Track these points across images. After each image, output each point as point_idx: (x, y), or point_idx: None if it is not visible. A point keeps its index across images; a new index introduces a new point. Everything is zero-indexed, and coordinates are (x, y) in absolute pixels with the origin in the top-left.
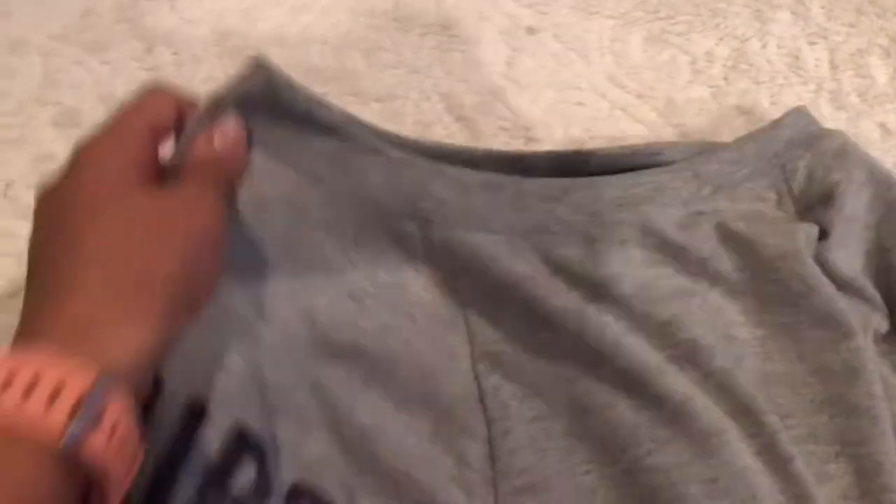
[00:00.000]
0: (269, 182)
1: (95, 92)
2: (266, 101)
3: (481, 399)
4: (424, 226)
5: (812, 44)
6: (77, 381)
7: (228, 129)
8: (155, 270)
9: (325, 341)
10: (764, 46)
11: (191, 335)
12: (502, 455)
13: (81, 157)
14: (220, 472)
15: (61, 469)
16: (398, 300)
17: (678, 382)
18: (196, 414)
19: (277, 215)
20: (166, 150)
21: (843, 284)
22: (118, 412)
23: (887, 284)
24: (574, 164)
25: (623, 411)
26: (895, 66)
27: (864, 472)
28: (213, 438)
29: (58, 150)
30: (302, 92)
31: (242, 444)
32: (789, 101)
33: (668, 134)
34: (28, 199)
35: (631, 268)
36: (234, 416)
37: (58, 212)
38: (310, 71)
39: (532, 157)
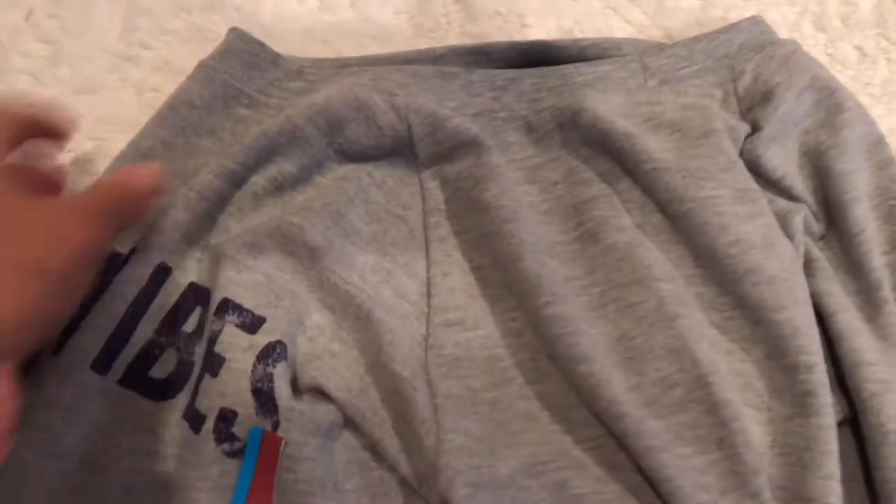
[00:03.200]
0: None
1: None
2: (244, 57)
3: (426, 247)
4: (389, 98)
5: None
6: None
7: (146, 172)
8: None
9: (289, 191)
10: None
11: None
12: (440, 293)
13: None
14: (174, 318)
15: None
16: (358, 159)
17: (583, 254)
18: (163, 274)
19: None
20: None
21: (770, 181)
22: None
23: (822, 183)
24: (535, 54)
25: (531, 265)
26: None
27: (783, 336)
28: (172, 294)
29: None
30: (271, 49)
31: (196, 295)
32: (773, 19)
33: (654, 35)
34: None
35: (563, 151)
36: (191, 278)
37: None
38: None
39: (495, 46)
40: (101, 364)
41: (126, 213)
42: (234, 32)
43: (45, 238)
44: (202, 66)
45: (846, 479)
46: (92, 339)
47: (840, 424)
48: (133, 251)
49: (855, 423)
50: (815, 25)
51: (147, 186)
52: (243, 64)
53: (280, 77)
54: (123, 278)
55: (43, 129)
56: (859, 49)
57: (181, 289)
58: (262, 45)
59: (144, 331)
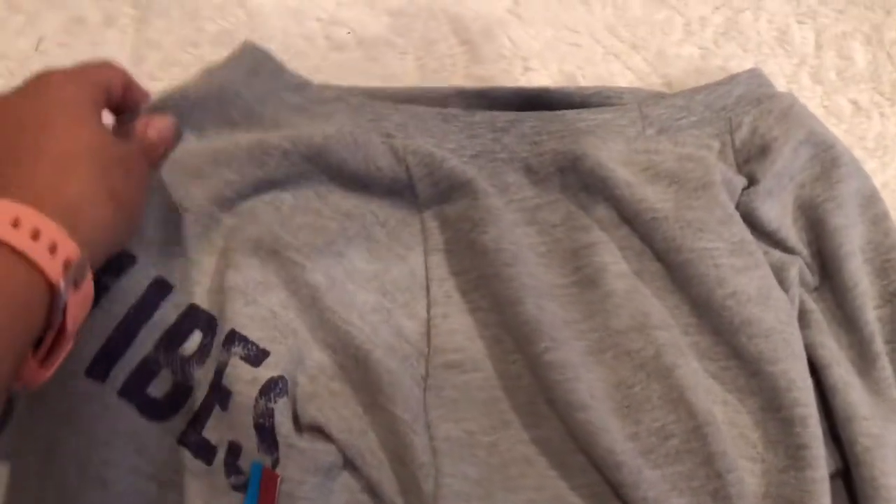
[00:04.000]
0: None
1: None
2: (249, 64)
3: (427, 287)
4: (387, 140)
5: (801, 23)
6: (67, 246)
7: (164, 123)
8: (108, 184)
9: (290, 223)
10: (756, 19)
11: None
12: (440, 334)
13: (45, 79)
14: (173, 337)
15: (43, 305)
16: (361, 197)
17: (581, 298)
18: (163, 289)
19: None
20: (106, 117)
21: (765, 233)
22: (89, 283)
23: (817, 237)
24: (536, 100)
25: (530, 308)
26: (874, 53)
27: (778, 388)
28: (171, 312)
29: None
30: (278, 63)
31: (195, 318)
32: (772, 70)
33: (654, 83)
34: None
35: (562, 195)
36: (192, 300)
37: (20, 118)
38: None
39: (499, 91)
40: (98, 370)
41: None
42: (246, 45)
43: (126, 174)
44: (206, 69)
45: None
46: (87, 345)
47: (832, 477)
48: (128, 258)
49: (847, 476)
50: (812, 78)
51: (171, 135)
52: (247, 70)
53: (278, 88)
54: (121, 286)
55: (126, 98)
56: (854, 103)
57: (182, 308)
58: (270, 56)
59: (143, 343)
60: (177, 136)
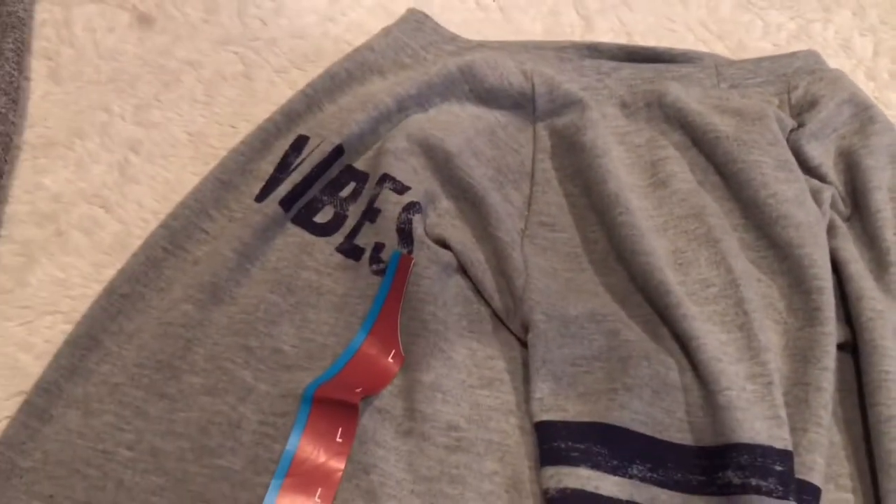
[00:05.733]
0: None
1: None
2: (413, 24)
3: (532, 174)
4: (518, 64)
5: (863, 35)
6: None
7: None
8: None
9: (434, 120)
10: (825, 29)
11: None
12: (538, 202)
13: None
14: (335, 184)
15: None
16: (490, 108)
17: (653, 194)
18: (337, 153)
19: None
20: None
21: (808, 168)
22: None
23: (851, 177)
24: (637, 55)
25: (612, 187)
26: None
27: (802, 266)
28: (335, 169)
29: None
30: (434, 22)
31: (352, 174)
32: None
33: None
34: None
35: (648, 124)
36: (350, 162)
37: None
38: None
39: (606, 45)
40: (287, 203)
41: None
42: (410, 10)
43: None
44: (384, 28)
45: (843, 390)
46: (285, 186)
47: (842, 348)
48: (321, 139)
49: (854, 350)
50: (866, 75)
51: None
52: (413, 28)
53: (437, 40)
54: (313, 156)
55: None
56: None
57: (341, 167)
58: (428, 17)
59: (314, 190)
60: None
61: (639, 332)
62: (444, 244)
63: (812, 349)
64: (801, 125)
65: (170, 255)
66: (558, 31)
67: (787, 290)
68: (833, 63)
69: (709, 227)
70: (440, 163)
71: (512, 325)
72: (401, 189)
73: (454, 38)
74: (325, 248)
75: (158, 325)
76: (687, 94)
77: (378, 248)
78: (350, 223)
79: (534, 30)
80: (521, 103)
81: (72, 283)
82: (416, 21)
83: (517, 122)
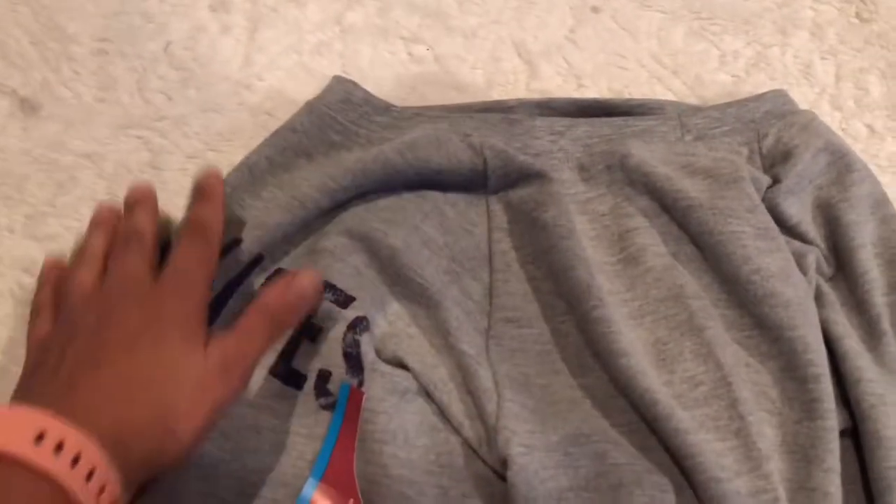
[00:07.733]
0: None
1: None
2: (340, 94)
3: (490, 257)
4: (465, 138)
5: (823, 59)
6: (90, 452)
7: (310, 280)
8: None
9: (374, 208)
10: (783, 54)
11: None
12: (500, 295)
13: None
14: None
15: None
16: (435, 186)
17: (625, 273)
18: (255, 261)
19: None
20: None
21: (787, 227)
22: (113, 490)
23: (832, 232)
24: (589, 109)
25: (582, 274)
26: (889, 86)
27: (795, 351)
28: (260, 277)
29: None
30: (365, 91)
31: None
32: (796, 97)
33: (691, 101)
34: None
35: (610, 189)
36: (278, 265)
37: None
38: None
39: (558, 101)
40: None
41: (286, 323)
42: (336, 78)
43: (191, 396)
44: (307, 103)
45: (846, 482)
46: None
47: (842, 434)
48: (238, 241)
49: (855, 435)
50: (831, 104)
51: (309, 296)
52: (340, 99)
53: (369, 111)
54: (227, 263)
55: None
56: (869, 127)
57: (268, 272)
58: (357, 85)
59: (236, 303)
60: (319, 295)
61: (627, 451)
62: (400, 363)
63: (814, 447)
64: (776, 180)
65: None
66: (501, 80)
67: (779, 374)
68: (796, 93)
69: (690, 312)
70: (385, 261)
71: (487, 458)
72: (344, 301)
73: (388, 109)
74: (258, 372)
75: None
76: (651, 154)
77: (324, 376)
78: (284, 340)
79: (475, 81)
80: (473, 179)
81: None
82: (343, 91)
83: (467, 198)
